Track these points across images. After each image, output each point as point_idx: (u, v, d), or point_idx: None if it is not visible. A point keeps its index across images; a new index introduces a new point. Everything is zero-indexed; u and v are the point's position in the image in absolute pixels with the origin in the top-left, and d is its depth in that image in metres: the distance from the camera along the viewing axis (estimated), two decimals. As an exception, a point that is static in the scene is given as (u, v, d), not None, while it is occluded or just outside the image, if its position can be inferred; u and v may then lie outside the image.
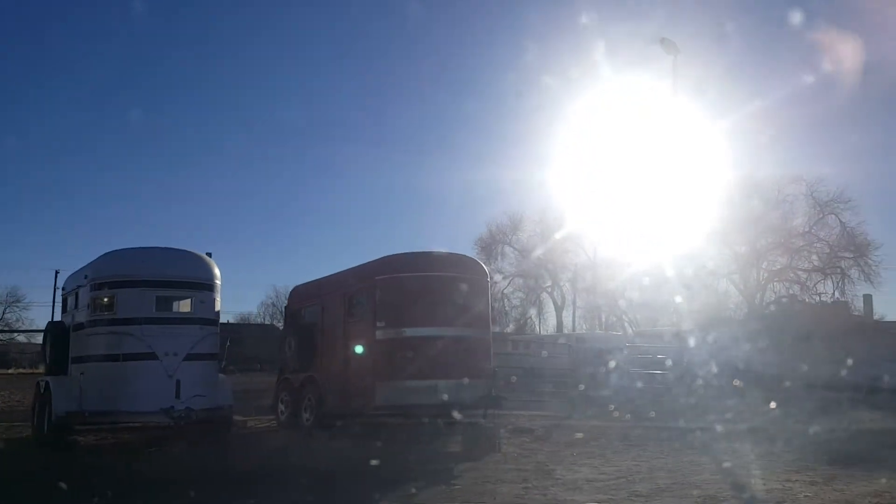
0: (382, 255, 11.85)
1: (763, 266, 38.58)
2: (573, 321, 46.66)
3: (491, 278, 12.34)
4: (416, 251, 11.77)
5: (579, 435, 11.54)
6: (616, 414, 13.83)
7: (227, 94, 72.35)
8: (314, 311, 13.15)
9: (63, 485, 7.15)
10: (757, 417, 12.77)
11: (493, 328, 14.60)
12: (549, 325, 49.56)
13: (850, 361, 25.21)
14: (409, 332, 11.00)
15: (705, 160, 36.58)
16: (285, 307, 14.84)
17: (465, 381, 10.88)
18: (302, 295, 14.01)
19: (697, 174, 37.67)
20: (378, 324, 11.13)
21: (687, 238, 38.17)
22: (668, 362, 20.32)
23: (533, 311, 49.74)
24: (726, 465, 8.91)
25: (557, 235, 44.32)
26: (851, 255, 36.39)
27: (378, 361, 11.17)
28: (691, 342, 30.67)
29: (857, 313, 34.67)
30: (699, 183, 38.31)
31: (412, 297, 11.08)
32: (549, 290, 48.09)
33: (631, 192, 36.03)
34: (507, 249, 46.92)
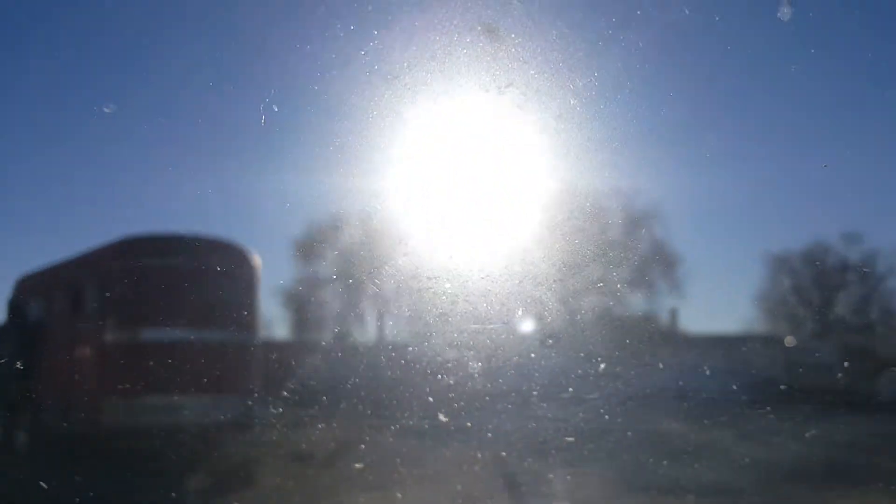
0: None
1: (579, 277, 39.62)
2: (395, 330, 45.53)
3: (260, 269, 10.25)
4: (161, 232, 9.52)
5: (376, 457, 9.72)
6: (425, 430, 12.24)
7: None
8: (39, 306, 10.52)
9: None
10: (557, 432, 12.08)
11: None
12: (370, 334, 48.06)
13: (654, 373, 26.57)
14: (148, 334, 8.80)
15: (528, 167, 37.13)
16: (8, 301, 11.96)
17: (221, 396, 8.83)
18: (28, 286, 11.31)
19: (521, 182, 38.23)
20: (108, 324, 8.82)
21: (509, 247, 38.83)
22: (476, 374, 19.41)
23: (353, 319, 48.03)
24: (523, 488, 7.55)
25: (382, 240, 43.17)
26: (660, 268, 38.14)
27: (107, 372, 8.86)
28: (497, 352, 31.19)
29: (664, 325, 36.43)
30: (522, 191, 38.99)
31: (152, 290, 8.88)
32: (372, 296, 46.71)
33: (457, 198, 35.79)
34: (328, 252, 44.97)
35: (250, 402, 9.28)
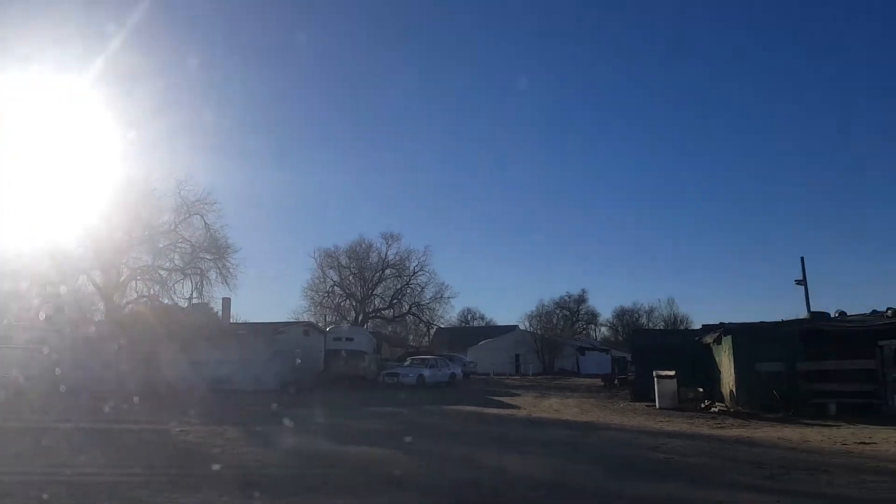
0: None
1: (125, 263, 36.18)
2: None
3: None
4: None
5: None
6: None
7: None
8: None
9: None
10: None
11: None
12: None
13: (198, 362, 25.68)
14: None
15: (75, 146, 32.77)
16: None
17: None
18: None
19: (66, 161, 33.53)
20: None
21: (50, 230, 33.50)
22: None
23: None
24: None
25: None
26: (212, 257, 36.73)
27: None
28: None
29: (216, 315, 35.37)
30: (67, 170, 34.15)
31: None
32: None
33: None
34: None
35: None
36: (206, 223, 36.41)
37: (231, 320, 35.82)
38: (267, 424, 14.04)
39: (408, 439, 11.67)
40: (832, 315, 19.66)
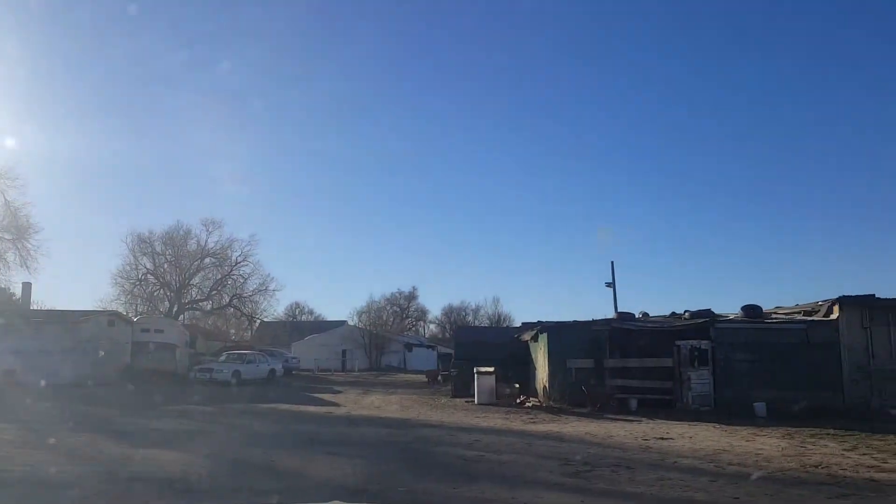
0: None
1: None
2: None
3: None
4: None
5: None
6: None
7: None
8: None
9: None
10: None
11: None
12: None
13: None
14: None
15: None
16: None
17: None
18: None
19: None
20: None
21: None
22: None
23: None
24: None
25: None
26: (11, 237, 32.91)
27: None
28: None
29: (16, 301, 31.80)
30: None
31: None
32: None
33: None
34: None
35: None
36: (6, 200, 32.54)
37: (32, 307, 32.27)
38: (52, 423, 12.53)
39: (205, 441, 10.79)
40: (637, 316, 20.99)
